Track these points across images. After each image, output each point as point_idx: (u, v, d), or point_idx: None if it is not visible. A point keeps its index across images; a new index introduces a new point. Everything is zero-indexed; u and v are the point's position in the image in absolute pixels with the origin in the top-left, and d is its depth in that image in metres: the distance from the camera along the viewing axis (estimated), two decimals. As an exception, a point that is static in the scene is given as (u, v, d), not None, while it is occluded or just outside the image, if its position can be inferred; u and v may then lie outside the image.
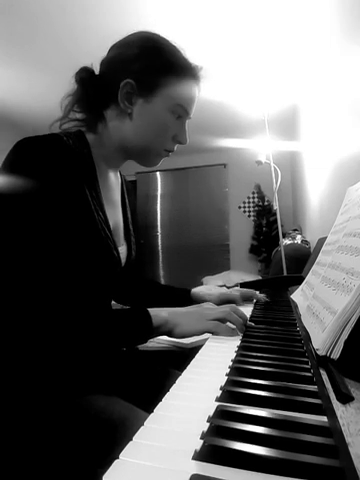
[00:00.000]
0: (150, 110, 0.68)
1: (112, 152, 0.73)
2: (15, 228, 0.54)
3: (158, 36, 0.71)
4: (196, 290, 0.96)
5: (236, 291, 0.96)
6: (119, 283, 0.89)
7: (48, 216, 0.56)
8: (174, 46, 0.71)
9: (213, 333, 0.60)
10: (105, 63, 0.70)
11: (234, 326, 0.61)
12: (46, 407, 0.53)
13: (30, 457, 0.49)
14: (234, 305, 0.66)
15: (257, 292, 1.00)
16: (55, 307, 0.54)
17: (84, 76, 0.69)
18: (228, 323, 0.62)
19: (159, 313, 0.59)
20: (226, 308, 0.62)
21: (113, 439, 0.48)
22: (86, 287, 0.67)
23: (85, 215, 0.62)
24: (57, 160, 0.58)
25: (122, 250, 0.77)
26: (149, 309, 0.59)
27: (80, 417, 0.52)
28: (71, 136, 0.65)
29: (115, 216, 0.76)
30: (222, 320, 0.61)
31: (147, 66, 0.66)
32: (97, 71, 0.71)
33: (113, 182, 0.79)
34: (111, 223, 0.70)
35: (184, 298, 0.94)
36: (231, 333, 0.59)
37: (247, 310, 0.84)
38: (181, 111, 0.70)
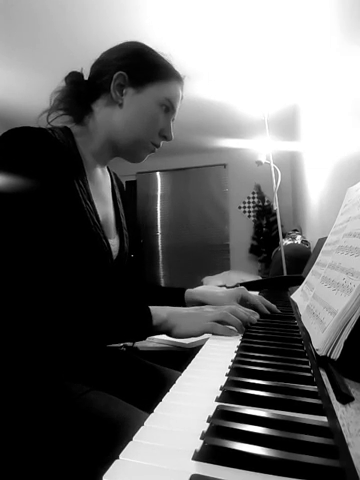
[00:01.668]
0: (140, 100, 0.72)
1: (99, 145, 0.75)
2: (2, 219, 0.55)
3: (145, 44, 0.77)
4: (194, 292, 0.88)
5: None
6: (116, 282, 0.89)
7: (35, 205, 0.57)
8: (160, 52, 0.77)
9: (212, 333, 0.60)
10: (97, 63, 0.76)
11: (233, 328, 0.61)
12: (45, 404, 0.53)
13: (29, 456, 0.49)
14: (234, 306, 0.66)
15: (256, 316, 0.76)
16: (48, 298, 0.55)
17: (75, 79, 0.75)
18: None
19: (159, 312, 0.60)
20: (224, 310, 0.63)
21: (114, 439, 0.48)
22: (79, 278, 0.67)
23: (73, 203, 0.64)
24: (43, 149, 0.60)
25: (114, 242, 0.78)
26: (150, 307, 0.61)
27: (81, 416, 0.52)
28: (56, 130, 0.67)
29: (104, 209, 0.77)
30: (220, 321, 0.61)
31: (139, 62, 0.72)
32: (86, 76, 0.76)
33: (100, 177, 0.80)
34: (100, 215, 0.72)
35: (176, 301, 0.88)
36: (229, 333, 0.59)
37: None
38: (168, 105, 0.74)
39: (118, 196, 0.88)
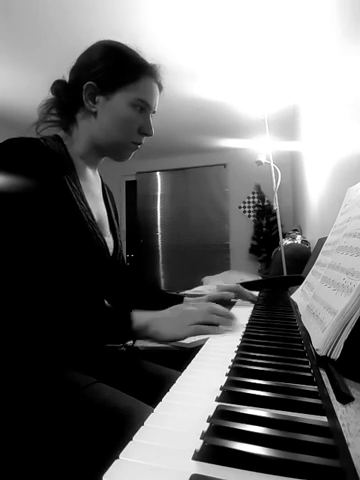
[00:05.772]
0: (112, 106, 0.74)
1: (86, 150, 0.78)
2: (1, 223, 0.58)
3: (116, 42, 0.77)
4: (188, 298, 0.95)
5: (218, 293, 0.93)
6: (115, 284, 0.89)
7: (32, 209, 0.60)
8: (131, 49, 0.77)
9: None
10: (72, 71, 0.77)
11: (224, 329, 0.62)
12: (50, 395, 0.54)
13: (35, 448, 0.49)
14: (211, 304, 0.68)
15: (231, 295, 0.92)
16: (42, 297, 0.58)
17: (58, 87, 0.77)
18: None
19: (141, 317, 0.62)
20: (204, 310, 0.64)
21: (120, 428, 0.48)
22: (76, 276, 0.69)
23: (68, 204, 0.67)
24: (37, 157, 0.63)
25: (109, 240, 0.81)
26: (133, 312, 0.62)
27: (86, 407, 0.52)
28: (48, 139, 0.71)
29: (98, 208, 0.80)
30: (203, 323, 0.62)
31: (106, 67, 0.73)
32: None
33: (92, 177, 0.83)
34: (94, 214, 0.74)
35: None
36: (215, 331, 0.60)
37: (247, 310, 0.84)
38: (142, 105, 0.75)
39: (109, 201, 0.91)
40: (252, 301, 0.96)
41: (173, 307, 0.67)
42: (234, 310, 0.80)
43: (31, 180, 0.61)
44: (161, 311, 0.65)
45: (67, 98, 0.76)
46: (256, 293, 1.17)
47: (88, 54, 0.76)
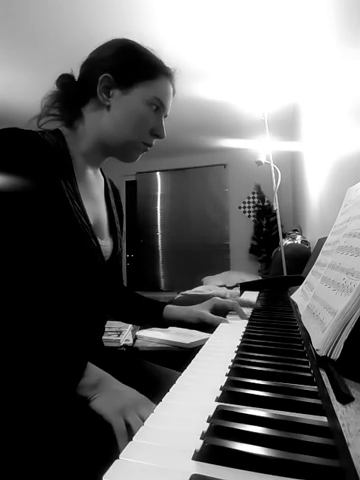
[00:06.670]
0: (127, 101, 0.71)
1: (90, 148, 0.74)
2: None
3: (133, 41, 0.75)
4: (175, 308, 0.87)
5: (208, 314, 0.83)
6: (107, 282, 0.84)
7: (18, 204, 0.57)
8: (147, 48, 0.75)
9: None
10: (84, 64, 0.75)
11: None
12: (45, 402, 0.53)
13: (30, 455, 0.49)
14: (140, 406, 0.54)
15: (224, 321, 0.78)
16: (24, 299, 0.57)
17: (65, 81, 0.73)
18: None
19: (93, 373, 0.56)
20: (130, 421, 0.51)
21: (114, 437, 0.48)
22: (61, 280, 0.65)
23: (59, 203, 0.63)
24: (30, 149, 0.60)
25: (106, 243, 0.77)
26: (90, 365, 0.57)
27: (86, 406, 0.52)
28: (46, 132, 0.68)
29: (96, 210, 0.76)
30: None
31: (124, 62, 0.71)
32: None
33: (92, 178, 0.79)
34: (91, 216, 0.71)
35: (155, 316, 0.87)
36: (124, 442, 0.48)
37: (247, 311, 0.84)
38: (158, 104, 0.73)
39: (112, 201, 0.87)
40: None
41: (124, 388, 0.58)
42: (230, 318, 0.80)
43: (22, 174, 0.58)
44: (119, 383, 0.58)
45: (75, 91, 0.73)
46: (255, 293, 1.17)
47: (104, 48, 0.74)
